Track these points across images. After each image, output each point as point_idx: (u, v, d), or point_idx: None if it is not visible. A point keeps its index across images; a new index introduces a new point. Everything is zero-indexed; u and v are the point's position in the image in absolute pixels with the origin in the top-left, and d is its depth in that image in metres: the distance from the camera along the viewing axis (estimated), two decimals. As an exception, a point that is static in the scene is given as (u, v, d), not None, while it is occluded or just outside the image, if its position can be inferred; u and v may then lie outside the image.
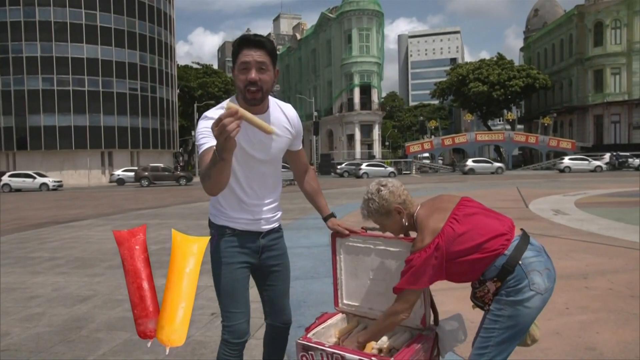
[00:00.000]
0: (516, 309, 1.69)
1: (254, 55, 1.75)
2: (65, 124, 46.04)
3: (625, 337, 3.17)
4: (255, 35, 1.80)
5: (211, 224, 2.01)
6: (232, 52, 1.82)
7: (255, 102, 1.79)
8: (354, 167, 41.21)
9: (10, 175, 33.73)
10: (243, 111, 1.37)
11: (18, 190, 32.55)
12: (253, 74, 1.75)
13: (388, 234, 2.01)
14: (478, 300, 1.81)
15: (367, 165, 39.71)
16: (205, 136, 1.73)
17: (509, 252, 1.70)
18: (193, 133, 56.49)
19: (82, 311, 4.02)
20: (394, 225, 1.88)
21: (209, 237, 1.58)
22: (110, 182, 39.01)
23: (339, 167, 42.41)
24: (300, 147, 2.11)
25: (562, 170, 37.65)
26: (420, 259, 1.71)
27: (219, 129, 1.36)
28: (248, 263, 1.97)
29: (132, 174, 36.62)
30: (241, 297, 1.93)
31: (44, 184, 33.02)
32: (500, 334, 1.71)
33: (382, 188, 1.86)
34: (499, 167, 39.69)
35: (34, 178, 33.35)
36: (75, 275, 5.47)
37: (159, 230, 9.23)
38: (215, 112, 1.82)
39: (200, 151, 1.73)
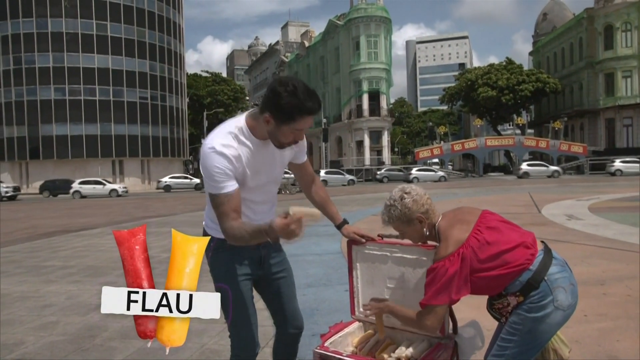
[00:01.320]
0: (536, 325, 1.67)
1: (310, 123, 1.76)
2: (77, 133, 46.57)
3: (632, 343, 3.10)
4: (315, 101, 1.72)
5: (207, 236, 1.96)
6: (285, 112, 1.68)
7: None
8: (401, 172, 41.98)
9: (81, 182, 34.84)
10: (304, 212, 1.53)
11: (84, 197, 33.39)
12: (303, 137, 1.83)
13: (406, 241, 1.98)
14: (495, 312, 1.79)
15: (417, 170, 40.43)
16: (222, 180, 1.71)
17: (534, 268, 1.68)
18: (203, 141, 56.70)
19: (96, 319, 4.02)
20: (414, 233, 1.84)
21: (209, 237, 1.56)
22: (158, 188, 40.31)
23: (378, 172, 42.87)
24: (305, 158, 2.11)
25: (612, 174, 36.29)
26: (445, 270, 1.67)
27: (287, 234, 1.51)
28: (251, 274, 1.95)
29: (179, 180, 39.33)
30: (247, 310, 1.91)
31: (113, 190, 34.25)
32: (516, 346, 1.69)
33: (405, 195, 1.81)
34: (555, 171, 38.53)
35: (104, 185, 34.60)
36: (88, 283, 5.49)
37: (169, 237, 9.21)
38: (223, 144, 1.74)
39: (220, 192, 1.71)
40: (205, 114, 49.33)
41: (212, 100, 60.11)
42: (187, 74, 61.53)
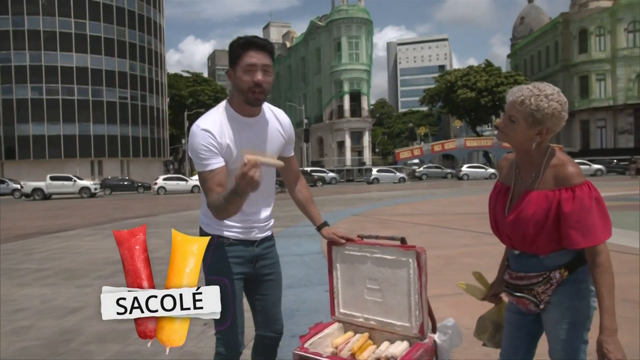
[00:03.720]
0: (588, 307, 1.60)
1: (260, 58, 1.76)
2: (54, 133, 45.71)
3: (621, 340, 3.16)
4: (260, 38, 1.80)
5: (203, 234, 1.95)
6: (233, 53, 1.79)
7: (259, 103, 1.82)
8: (439, 169, 42.79)
9: (165, 179, 35.53)
10: (260, 159, 1.48)
11: (168, 192, 33.88)
12: (260, 76, 1.76)
13: (385, 241, 1.98)
14: (535, 297, 1.63)
15: (467, 167, 41.24)
16: (207, 157, 1.75)
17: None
18: (183, 141, 56.43)
19: (71, 323, 3.93)
20: (523, 135, 1.58)
21: (209, 237, 1.55)
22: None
23: (417, 169, 43.38)
24: (292, 153, 2.10)
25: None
26: (595, 193, 1.53)
27: (247, 182, 1.46)
28: (242, 273, 1.94)
29: None
30: (236, 310, 1.90)
31: (195, 186, 34.34)
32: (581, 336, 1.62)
33: (562, 102, 1.55)
34: (599, 169, 38.06)
35: (187, 181, 35.18)
36: (63, 286, 5.37)
37: (150, 239, 9.06)
38: (208, 122, 1.79)
39: (205, 170, 1.75)
40: (186, 114, 48.85)
41: (193, 101, 59.56)
42: (168, 73, 60.88)
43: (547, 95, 1.53)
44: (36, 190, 30.39)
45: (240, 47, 1.76)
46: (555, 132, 1.59)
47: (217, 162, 1.76)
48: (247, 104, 1.81)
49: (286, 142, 2.01)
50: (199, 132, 1.77)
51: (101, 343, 3.43)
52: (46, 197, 30.46)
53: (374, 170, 40.42)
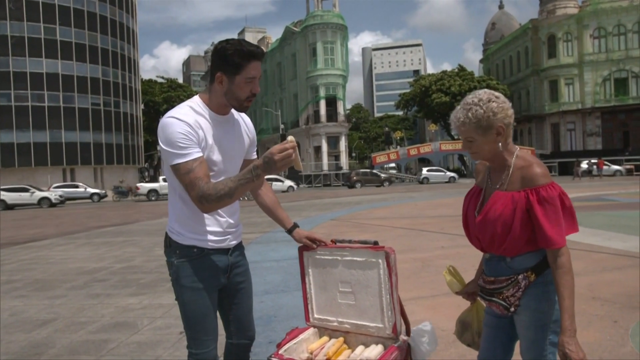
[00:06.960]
0: (556, 309, 1.59)
1: (259, 70, 1.77)
2: (24, 141, 44.60)
3: (589, 338, 3.26)
4: (258, 47, 1.78)
5: (173, 244, 1.85)
6: (232, 61, 1.72)
7: (247, 110, 1.87)
8: None
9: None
10: (295, 144, 1.58)
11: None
12: (258, 88, 1.80)
13: (355, 244, 2.00)
14: (504, 300, 1.65)
15: None
16: (188, 146, 1.66)
17: None
18: (159, 148, 55.56)
19: (42, 336, 3.84)
20: (486, 145, 1.62)
21: None
22: None
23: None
24: (255, 156, 2.07)
25: None
26: (561, 194, 1.55)
27: (285, 157, 1.55)
28: (217, 285, 1.89)
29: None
30: (211, 323, 1.86)
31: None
32: (547, 331, 1.61)
33: (493, 98, 1.59)
34: (618, 170, 38.17)
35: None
36: (34, 298, 5.24)
37: (124, 247, 8.97)
38: (181, 113, 1.72)
39: (189, 159, 1.65)
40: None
41: (167, 107, 58.76)
42: (142, 79, 60.05)
43: (476, 103, 1.59)
44: (151, 191, 33.52)
45: (243, 57, 1.72)
46: (510, 123, 1.62)
47: (199, 152, 1.69)
48: (237, 110, 1.85)
49: (251, 142, 2.02)
50: (174, 122, 1.69)
51: (73, 355, 3.36)
52: (159, 197, 33.00)
53: (424, 170, 41.70)
